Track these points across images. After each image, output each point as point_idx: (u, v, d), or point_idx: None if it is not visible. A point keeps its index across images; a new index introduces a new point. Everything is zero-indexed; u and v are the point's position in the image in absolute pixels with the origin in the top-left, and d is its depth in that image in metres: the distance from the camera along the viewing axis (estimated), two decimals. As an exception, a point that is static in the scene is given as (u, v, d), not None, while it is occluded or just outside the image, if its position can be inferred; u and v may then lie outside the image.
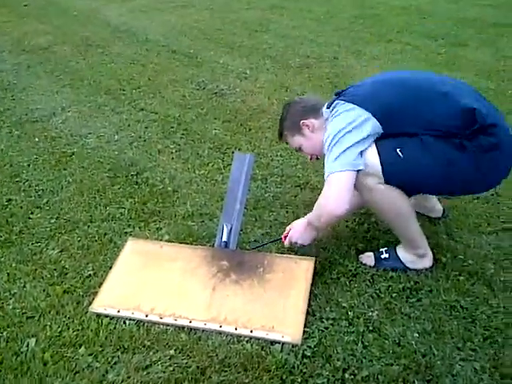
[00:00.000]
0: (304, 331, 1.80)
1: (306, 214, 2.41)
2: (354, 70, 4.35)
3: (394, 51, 4.86)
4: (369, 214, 2.45)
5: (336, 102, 1.96)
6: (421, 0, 6.84)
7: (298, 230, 2.13)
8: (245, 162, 2.33)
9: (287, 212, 2.51)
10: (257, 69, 4.41)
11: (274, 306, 1.89)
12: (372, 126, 1.83)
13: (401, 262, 2.10)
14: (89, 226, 2.43)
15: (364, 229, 2.37)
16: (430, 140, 1.82)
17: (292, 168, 2.90)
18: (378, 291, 2.00)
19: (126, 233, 2.37)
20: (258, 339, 1.77)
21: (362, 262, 2.15)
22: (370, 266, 2.12)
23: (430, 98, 1.88)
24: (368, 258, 2.15)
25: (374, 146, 1.84)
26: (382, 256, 2.13)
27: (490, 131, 1.81)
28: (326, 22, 5.86)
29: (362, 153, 1.83)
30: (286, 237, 2.16)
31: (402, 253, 2.11)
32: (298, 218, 2.41)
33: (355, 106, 1.85)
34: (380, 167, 1.83)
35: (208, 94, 3.93)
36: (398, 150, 1.83)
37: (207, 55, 4.78)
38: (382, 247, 2.18)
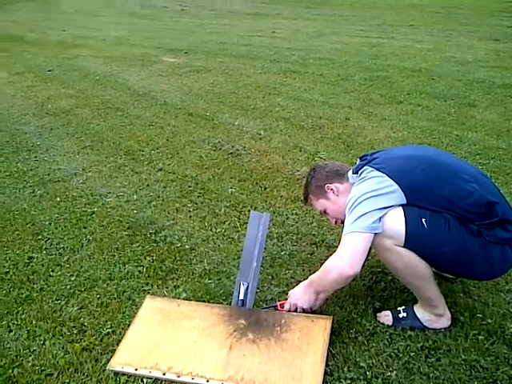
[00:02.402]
0: None
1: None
2: (366, 131, 4.46)
3: (404, 112, 4.99)
4: (385, 273, 2.46)
5: (364, 167, 2.02)
6: (431, 62, 7.06)
7: (297, 292, 2.14)
8: (261, 221, 2.38)
9: (303, 270, 2.53)
10: (270, 130, 4.54)
11: (291, 365, 1.88)
12: (397, 197, 1.89)
13: (419, 321, 2.09)
14: (108, 284, 2.46)
15: (381, 287, 2.38)
16: (450, 219, 1.88)
17: (307, 226, 2.94)
18: (396, 350, 1.98)
19: (144, 290, 2.40)
20: None
21: (379, 321, 2.14)
22: (388, 326, 2.12)
23: (456, 182, 1.94)
24: (386, 318, 2.14)
25: (400, 210, 1.89)
26: (400, 315, 2.12)
27: (506, 226, 1.91)
28: (337, 85, 6.05)
29: (381, 217, 1.87)
30: (281, 305, 2.18)
31: (420, 312, 2.10)
32: (314, 275, 2.44)
33: (384, 175, 1.92)
34: (404, 232, 1.86)
35: (224, 154, 4.04)
36: (423, 220, 1.88)
37: (223, 117, 4.94)
38: (400, 306, 2.18)
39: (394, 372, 1.88)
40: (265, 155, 3.97)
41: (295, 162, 3.83)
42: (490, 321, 2.14)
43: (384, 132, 4.44)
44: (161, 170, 3.78)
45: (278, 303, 2.20)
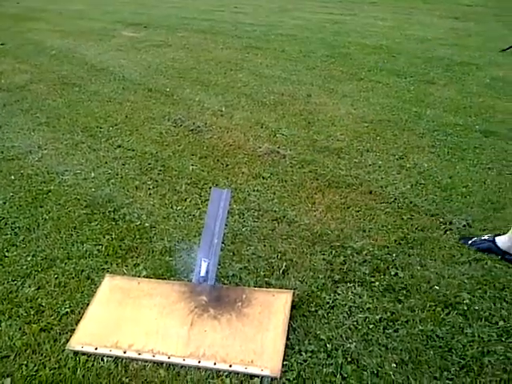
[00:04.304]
0: (283, 364, 1.81)
1: (283, 247, 2.46)
2: (327, 108, 4.47)
3: (365, 88, 5.02)
4: (344, 247, 2.50)
5: None
6: (391, 40, 7.11)
7: None
8: (222, 198, 2.36)
9: (264, 246, 2.53)
10: (232, 106, 4.50)
11: (252, 340, 1.89)
12: None
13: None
14: (66, 264, 2.41)
15: (340, 260, 2.41)
16: None
17: (269, 202, 2.94)
18: (355, 323, 2.02)
19: (103, 269, 2.36)
20: (237, 373, 1.78)
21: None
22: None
23: None
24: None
25: None
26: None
27: None
28: (299, 61, 6.03)
29: None
30: None
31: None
32: (275, 251, 2.46)
33: None
34: None
35: (185, 130, 3.98)
36: None
37: (183, 93, 4.86)
38: (360, 279, 2.23)
39: (354, 344, 1.91)
40: (226, 132, 3.93)
41: (257, 139, 3.81)
42: (446, 292, 2.21)
43: (345, 109, 4.45)
44: (119, 146, 3.70)
45: None
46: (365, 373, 1.78)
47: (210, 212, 2.36)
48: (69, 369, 1.81)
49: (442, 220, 2.77)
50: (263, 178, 3.23)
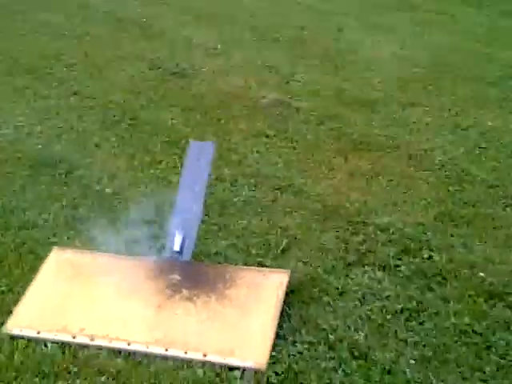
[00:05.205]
0: (271, 356, 2.08)
1: (285, 222, 2.74)
2: (364, 47, 4.74)
3: (420, 22, 5.27)
4: (366, 223, 2.79)
5: None
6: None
7: None
8: (202, 153, 2.64)
9: (261, 220, 2.82)
10: (231, 43, 4.79)
11: (234, 326, 2.18)
12: None
13: None
14: (2, 235, 2.72)
15: (358, 240, 2.70)
16: None
17: (271, 167, 3.23)
18: (369, 312, 2.31)
19: (50, 243, 2.65)
20: (213, 364, 2.05)
21: None
22: None
23: None
24: None
25: None
26: None
27: None
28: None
29: None
30: None
31: None
32: (274, 226, 2.76)
33: None
34: None
35: (164, 74, 4.28)
36: None
37: (165, 25, 5.16)
38: (381, 262, 2.53)
39: (363, 336, 2.19)
40: (221, 76, 4.22)
41: (262, 87, 4.09)
42: (492, 280, 2.48)
43: (388, 48, 4.71)
44: (75, 94, 4.03)
45: None
46: (373, 369, 2.06)
47: (186, 171, 2.64)
48: (5, 355, 2.10)
49: (501, 193, 3.05)
50: (266, 136, 3.53)
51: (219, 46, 4.72)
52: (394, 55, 4.62)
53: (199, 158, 2.62)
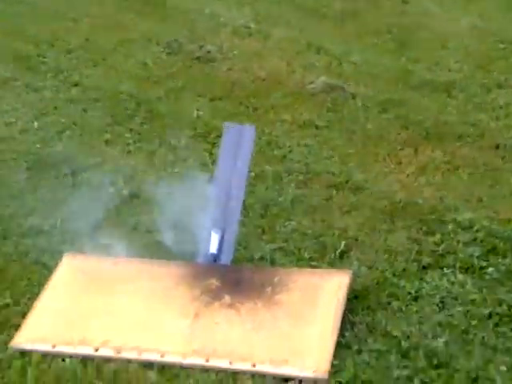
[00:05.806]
0: (332, 365, 2.19)
1: (343, 222, 2.89)
2: (435, 19, 4.84)
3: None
4: (443, 221, 2.92)
5: None
6: None
7: None
8: (241, 139, 2.77)
9: (313, 221, 2.95)
10: (268, 20, 4.96)
11: (286, 334, 2.30)
12: None
13: None
14: (3, 243, 2.89)
15: (435, 239, 2.83)
16: None
17: (323, 162, 3.37)
18: (449, 317, 2.42)
19: (59, 251, 2.80)
20: (264, 376, 2.17)
21: None
22: None
23: None
24: None
25: None
26: None
27: None
28: None
29: None
30: None
31: None
32: (330, 227, 2.90)
33: None
34: None
35: (186, 59, 4.45)
36: None
37: (182, 0, 5.37)
38: (463, 264, 2.66)
39: (444, 342, 2.32)
40: (256, 60, 4.35)
41: (308, 70, 4.22)
42: None
43: (467, 20, 4.81)
44: (76, 85, 4.21)
45: None
46: (456, 376, 2.18)
47: (222, 162, 2.78)
48: (16, 371, 2.26)
49: None
50: (316, 127, 3.68)
51: (253, 25, 4.86)
52: (475, 28, 4.72)
53: (237, 145, 2.75)
